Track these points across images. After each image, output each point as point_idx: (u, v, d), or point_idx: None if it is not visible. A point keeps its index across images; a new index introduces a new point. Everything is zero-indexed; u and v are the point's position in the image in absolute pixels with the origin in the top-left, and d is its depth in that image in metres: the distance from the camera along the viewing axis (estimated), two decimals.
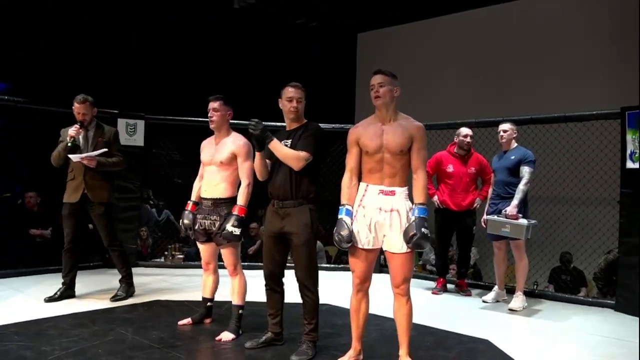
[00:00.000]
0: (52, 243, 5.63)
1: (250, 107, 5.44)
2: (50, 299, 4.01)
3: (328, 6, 8.31)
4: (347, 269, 5.68)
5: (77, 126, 3.99)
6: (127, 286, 4.23)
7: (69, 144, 3.96)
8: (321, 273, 3.15)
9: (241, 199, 3.26)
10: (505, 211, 4.07)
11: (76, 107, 4.03)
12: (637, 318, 3.71)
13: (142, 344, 3.05)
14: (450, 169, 4.70)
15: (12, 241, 5.42)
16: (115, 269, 4.38)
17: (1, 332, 3.16)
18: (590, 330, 3.72)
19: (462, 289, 4.85)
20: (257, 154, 3.00)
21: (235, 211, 3.20)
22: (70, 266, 4.14)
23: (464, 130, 4.69)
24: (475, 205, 4.73)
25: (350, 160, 2.82)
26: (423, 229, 2.61)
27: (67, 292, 4.13)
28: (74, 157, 3.96)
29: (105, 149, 4.03)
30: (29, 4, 6.72)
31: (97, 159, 3.98)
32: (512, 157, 4.25)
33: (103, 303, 3.99)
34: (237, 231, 3.15)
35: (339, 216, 2.73)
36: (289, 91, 2.98)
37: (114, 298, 4.11)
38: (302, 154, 2.88)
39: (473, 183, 4.75)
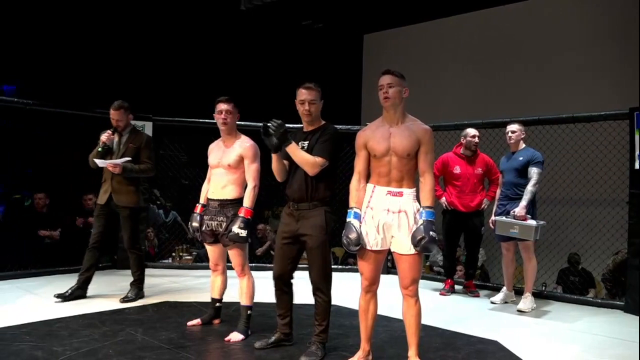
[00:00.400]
0: (60, 244, 5.69)
1: (256, 109, 5.47)
2: (60, 296, 4.05)
3: (334, 8, 8.32)
4: (354, 270, 5.74)
5: (109, 132, 4.15)
6: (138, 290, 4.27)
7: (99, 149, 4.12)
8: None
9: (247, 201, 3.27)
10: (514, 212, 4.06)
11: (111, 113, 4.15)
12: None
13: (152, 345, 3.07)
14: (457, 170, 4.70)
15: (21, 242, 5.47)
16: (124, 271, 4.41)
17: (13, 333, 3.19)
18: (599, 331, 3.70)
19: (470, 290, 4.84)
20: (273, 155, 2.98)
21: (242, 213, 3.21)
22: (89, 265, 4.19)
23: (472, 131, 4.68)
24: (483, 206, 4.73)
25: (359, 164, 2.83)
26: (431, 232, 2.61)
27: (78, 291, 4.15)
28: (100, 162, 4.09)
29: (129, 158, 4.10)
30: (37, 6, 6.77)
31: (122, 165, 4.06)
32: (521, 158, 4.24)
33: (112, 304, 4.01)
34: (244, 233, 3.16)
35: (347, 219, 2.74)
36: (302, 93, 2.95)
37: (124, 299, 4.14)
38: (318, 160, 2.88)
39: (480, 184, 4.75)
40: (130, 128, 4.26)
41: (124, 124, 4.19)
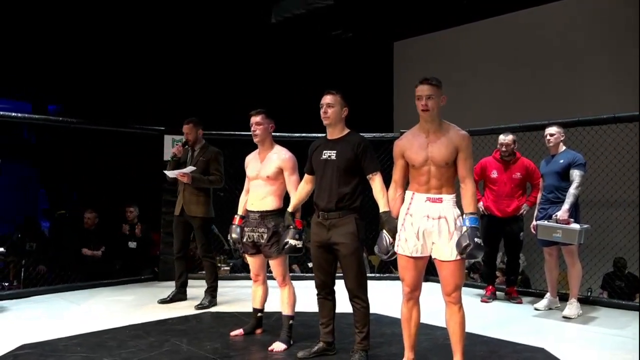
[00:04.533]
0: (104, 258, 5.85)
1: (290, 120, 5.52)
2: (162, 301, 4.46)
3: (363, 17, 8.35)
4: (392, 278, 5.70)
5: (179, 145, 4.54)
6: (211, 297, 4.44)
7: (170, 160, 4.52)
8: None
9: (297, 213, 3.29)
10: (556, 216, 3.97)
11: (184, 127, 4.48)
12: None
13: (198, 355, 3.12)
14: (494, 174, 4.63)
15: (67, 257, 5.65)
16: (165, 282, 4.52)
17: (65, 344, 3.30)
18: None
19: (512, 297, 4.74)
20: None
21: (294, 224, 3.20)
22: (181, 272, 4.58)
23: (501, 138, 4.63)
24: (521, 211, 4.63)
25: (396, 172, 2.84)
26: (476, 239, 2.59)
27: (178, 295, 4.54)
28: (170, 173, 4.40)
29: (194, 168, 4.35)
30: (78, 29, 7.04)
31: (191, 175, 4.30)
32: (561, 161, 4.15)
33: (155, 315, 4.10)
34: (300, 244, 3.17)
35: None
36: (322, 99, 3.02)
37: (199, 306, 4.32)
38: (377, 177, 2.93)
39: (519, 189, 4.65)
40: (202, 143, 4.53)
41: (193, 137, 4.46)
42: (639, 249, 4.26)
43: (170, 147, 5.79)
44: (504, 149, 4.58)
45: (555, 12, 7.67)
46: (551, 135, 4.24)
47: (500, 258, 5.61)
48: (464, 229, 2.61)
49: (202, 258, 4.54)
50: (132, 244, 5.97)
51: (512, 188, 4.61)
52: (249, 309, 3.73)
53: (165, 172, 4.44)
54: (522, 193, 4.67)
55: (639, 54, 5.97)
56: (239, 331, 3.56)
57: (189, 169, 4.35)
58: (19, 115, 5.01)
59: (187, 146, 4.52)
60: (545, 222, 4.07)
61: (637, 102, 5.47)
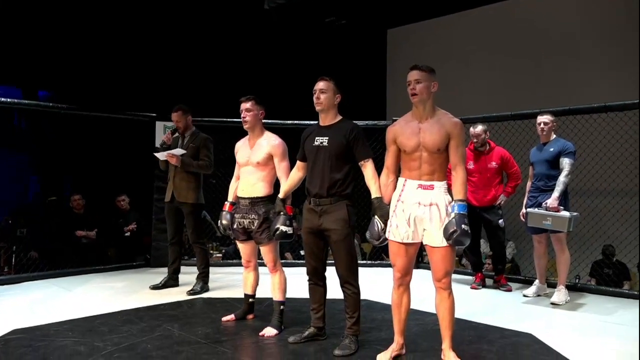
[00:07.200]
0: (96, 245, 5.85)
1: (281, 107, 5.51)
2: (154, 287, 4.48)
3: (357, 3, 8.30)
4: (383, 265, 5.74)
5: (169, 132, 4.54)
6: (203, 283, 4.46)
7: (159, 148, 4.53)
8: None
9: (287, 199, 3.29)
10: (546, 204, 4.01)
11: (172, 115, 4.50)
12: None
13: (189, 339, 3.14)
14: (470, 165, 4.63)
15: (59, 242, 5.64)
16: (157, 269, 4.52)
17: (56, 329, 3.31)
18: (636, 323, 3.62)
19: (501, 284, 4.78)
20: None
21: (284, 210, 3.21)
22: (174, 258, 4.60)
23: (471, 130, 4.63)
24: (498, 201, 4.65)
25: (388, 159, 2.86)
26: (463, 226, 2.61)
27: (170, 282, 4.56)
28: (159, 155, 4.45)
29: (184, 151, 4.37)
30: (68, 14, 6.95)
31: (181, 159, 4.32)
32: (552, 149, 4.18)
33: (147, 300, 4.11)
34: (290, 230, 3.18)
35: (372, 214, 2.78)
36: (315, 85, 3.03)
37: (191, 292, 4.34)
38: (369, 164, 2.94)
39: (495, 177, 4.67)
40: (192, 130, 4.53)
41: (183, 124, 4.47)
42: (639, 237, 4.30)
43: (162, 133, 5.76)
44: (474, 139, 4.61)
45: (549, 1, 7.66)
46: (545, 124, 4.25)
47: (485, 247, 5.65)
48: (452, 215, 2.63)
49: (193, 244, 4.55)
50: (127, 232, 5.99)
51: (488, 178, 4.64)
52: (240, 294, 3.75)
53: (156, 154, 4.47)
54: (499, 181, 4.69)
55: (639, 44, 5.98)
56: (231, 317, 3.58)
57: (179, 150, 4.35)
58: (8, 100, 4.96)
59: (177, 133, 4.52)
60: (536, 209, 4.11)
61: (627, 91, 5.50)
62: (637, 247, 5.06)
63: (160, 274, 4.73)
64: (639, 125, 4.26)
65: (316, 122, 3.14)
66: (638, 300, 3.98)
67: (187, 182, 4.41)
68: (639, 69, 5.18)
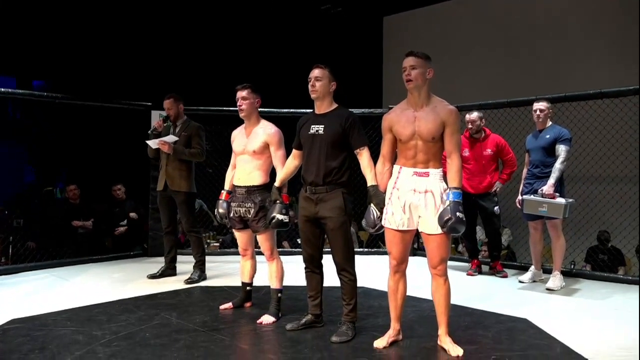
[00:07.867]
0: (93, 234, 5.85)
1: (277, 95, 5.49)
2: (152, 276, 4.48)
3: None
4: (379, 253, 5.77)
5: (160, 119, 4.53)
6: (200, 271, 4.46)
7: (150, 134, 4.49)
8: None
9: (283, 187, 3.29)
10: (542, 190, 4.03)
11: (164, 103, 4.48)
12: None
13: (187, 328, 3.16)
14: (465, 153, 4.65)
15: (56, 232, 5.64)
16: (154, 258, 4.53)
17: (54, 318, 3.32)
18: (630, 307, 3.66)
19: (497, 271, 4.82)
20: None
21: (280, 199, 3.21)
22: (170, 247, 4.60)
23: (466, 117, 4.63)
24: (494, 189, 4.67)
25: (384, 147, 2.86)
26: (458, 213, 2.62)
27: (168, 271, 4.56)
28: (151, 143, 4.42)
29: (176, 138, 4.35)
30: (63, 3, 6.89)
31: (173, 146, 4.32)
32: (548, 136, 4.18)
33: (145, 290, 4.12)
34: (286, 219, 3.18)
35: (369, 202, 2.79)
36: (310, 72, 3.02)
37: (188, 280, 4.35)
38: (365, 152, 2.94)
39: (491, 164, 4.69)
40: (184, 119, 4.51)
41: (175, 112, 4.45)
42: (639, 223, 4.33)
43: None
44: (470, 126, 4.62)
45: None
46: (541, 110, 4.25)
47: (482, 232, 5.68)
48: (447, 202, 2.64)
49: (188, 233, 4.55)
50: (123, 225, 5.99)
51: (484, 165, 4.65)
52: (238, 283, 3.77)
53: (147, 141, 4.45)
54: (494, 169, 4.70)
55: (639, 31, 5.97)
56: (228, 305, 3.60)
57: (171, 137, 4.34)
58: (2, 90, 4.92)
59: (168, 122, 4.50)
60: (531, 196, 4.12)
61: (623, 77, 5.50)
62: (631, 233, 5.10)
63: (157, 264, 4.75)
64: (639, 112, 4.24)
65: (312, 110, 3.14)
66: (638, 286, 4.00)
67: (180, 170, 4.40)
68: (639, 55, 5.18)
